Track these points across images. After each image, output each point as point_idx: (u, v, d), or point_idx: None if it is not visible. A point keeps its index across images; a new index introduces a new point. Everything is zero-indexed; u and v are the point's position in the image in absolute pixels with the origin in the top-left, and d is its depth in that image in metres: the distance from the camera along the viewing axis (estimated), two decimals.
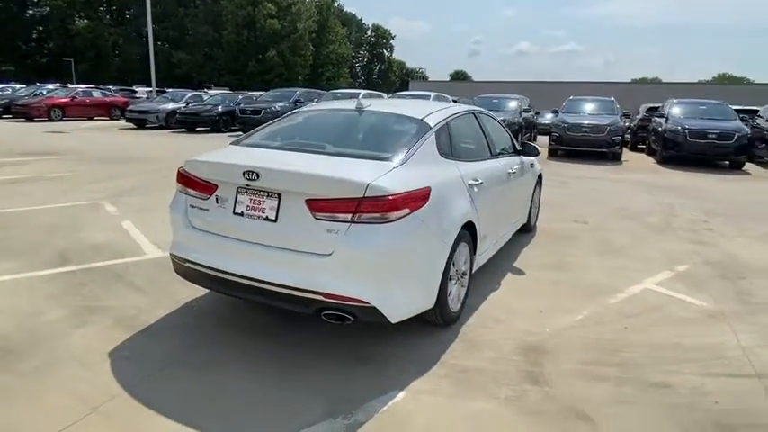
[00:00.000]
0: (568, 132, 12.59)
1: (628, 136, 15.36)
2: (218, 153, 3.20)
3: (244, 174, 2.73)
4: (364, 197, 2.56)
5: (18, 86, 27.22)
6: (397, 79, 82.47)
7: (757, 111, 14.32)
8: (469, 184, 3.39)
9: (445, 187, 3.06)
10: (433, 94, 16.45)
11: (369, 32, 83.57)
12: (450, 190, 3.12)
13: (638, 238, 5.76)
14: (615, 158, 12.99)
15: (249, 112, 17.27)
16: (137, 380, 2.60)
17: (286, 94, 18.69)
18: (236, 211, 2.84)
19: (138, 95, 26.78)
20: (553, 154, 13.12)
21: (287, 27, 53.87)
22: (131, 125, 19.60)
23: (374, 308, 2.61)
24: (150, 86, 26.86)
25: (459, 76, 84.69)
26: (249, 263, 2.76)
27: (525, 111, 15.00)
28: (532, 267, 4.57)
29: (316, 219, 2.63)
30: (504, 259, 4.62)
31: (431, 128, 3.30)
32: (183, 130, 18.64)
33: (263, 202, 2.76)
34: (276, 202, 2.73)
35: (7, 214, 5.81)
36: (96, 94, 23.36)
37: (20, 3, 51.20)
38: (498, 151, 4.39)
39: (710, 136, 11.57)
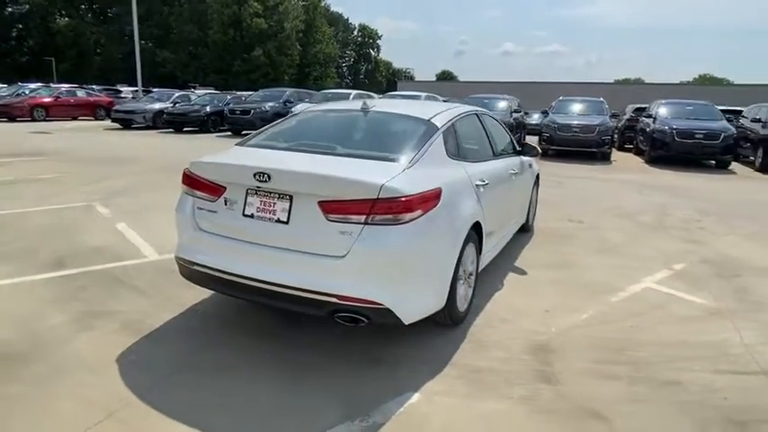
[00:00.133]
0: (559, 132, 12.72)
1: (615, 136, 15.55)
2: (226, 154, 3.16)
3: (255, 175, 2.70)
4: (378, 198, 2.55)
5: None
6: (384, 79, 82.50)
7: (741, 111, 14.62)
8: (476, 185, 3.40)
9: (454, 188, 3.07)
10: (423, 95, 16.49)
11: (355, 32, 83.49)
12: (458, 191, 3.13)
13: (634, 236, 5.84)
14: (604, 158, 13.15)
15: (238, 112, 17.12)
16: (148, 385, 2.56)
17: (276, 93, 18.56)
18: (245, 212, 2.81)
19: (123, 95, 26.38)
20: (543, 154, 13.22)
21: (273, 26, 53.49)
22: (117, 125, 19.28)
23: (388, 309, 2.60)
24: (134, 86, 26.51)
25: (445, 77, 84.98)
26: (260, 265, 2.73)
27: (515, 111, 15.11)
28: (533, 267, 4.60)
29: (329, 220, 2.61)
30: (505, 259, 4.64)
31: (438, 128, 3.30)
32: (171, 130, 18.41)
33: (275, 203, 2.73)
34: (288, 204, 2.70)
35: None
36: (80, 93, 22.96)
37: None
38: (500, 151, 4.41)
39: (698, 136, 11.78)
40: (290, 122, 3.73)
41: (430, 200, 2.75)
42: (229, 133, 17.80)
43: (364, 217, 2.56)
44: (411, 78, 78.08)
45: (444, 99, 17.33)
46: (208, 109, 18.42)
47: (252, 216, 2.79)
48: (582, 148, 12.74)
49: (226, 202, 2.87)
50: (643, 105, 16.00)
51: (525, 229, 5.63)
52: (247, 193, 2.81)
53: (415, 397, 2.57)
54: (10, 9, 52.29)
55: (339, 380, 2.70)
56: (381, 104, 3.69)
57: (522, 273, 4.46)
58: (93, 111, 22.41)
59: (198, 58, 53.67)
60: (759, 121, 12.30)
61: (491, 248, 3.94)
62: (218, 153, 3.20)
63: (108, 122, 20.37)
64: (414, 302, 2.75)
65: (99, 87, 28.26)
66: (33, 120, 19.79)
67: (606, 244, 5.47)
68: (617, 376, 2.83)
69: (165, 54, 52.42)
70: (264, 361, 2.86)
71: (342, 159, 2.94)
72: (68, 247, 4.70)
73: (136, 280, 3.96)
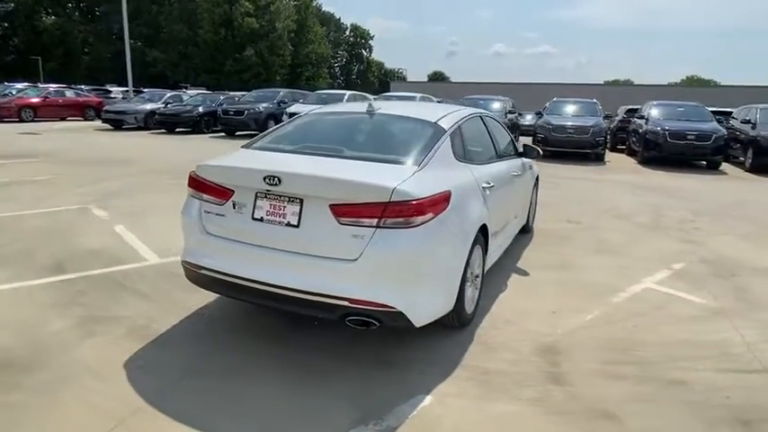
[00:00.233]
0: (554, 134, 12.80)
1: (608, 137, 15.68)
2: (233, 157, 3.14)
3: (265, 179, 2.69)
4: (390, 202, 2.56)
5: None
6: (376, 80, 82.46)
7: (731, 112, 14.82)
8: (483, 187, 3.42)
9: (463, 190, 3.08)
10: (418, 96, 16.52)
11: (347, 32, 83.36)
12: (467, 193, 3.14)
13: (632, 237, 5.89)
14: (598, 159, 13.27)
15: (232, 112, 17.03)
16: (157, 390, 2.53)
17: (269, 94, 18.48)
18: (255, 216, 2.79)
19: (113, 95, 26.11)
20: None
21: (265, 26, 53.25)
22: (107, 126, 19.09)
23: (400, 313, 2.61)
24: (123, 86, 26.23)
25: (437, 77, 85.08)
26: (270, 269, 2.72)
27: (510, 112, 15.19)
28: (535, 268, 4.63)
29: (340, 224, 2.61)
30: (507, 260, 4.66)
31: (445, 131, 3.31)
32: (163, 131, 18.26)
33: (284, 207, 2.72)
34: (298, 208, 2.70)
35: None
36: (69, 93, 22.70)
37: None
38: (503, 153, 4.43)
39: (689, 137, 11.93)
40: (295, 125, 3.72)
41: (440, 203, 2.75)
42: (223, 134, 17.71)
43: (376, 220, 2.56)
44: (403, 79, 78.14)
45: (438, 100, 17.39)
46: (200, 109, 18.30)
47: (261, 219, 2.78)
48: (576, 149, 12.84)
49: (234, 205, 2.86)
50: (635, 106, 16.15)
51: (526, 231, 5.66)
52: (257, 197, 2.79)
53: (428, 399, 2.57)
54: None
55: (350, 383, 2.70)
56: (386, 107, 3.69)
57: (525, 274, 4.48)
58: (82, 111, 22.16)
59: (188, 57, 53.27)
60: (749, 122, 12.47)
61: (496, 250, 3.96)
62: (225, 156, 3.19)
63: (98, 123, 20.16)
64: (425, 305, 2.76)
65: (88, 87, 27.97)
66: (21, 120, 19.53)
67: (605, 245, 5.52)
68: (624, 376, 2.86)
69: (155, 53, 51.98)
70: (273, 364, 2.85)
71: (351, 162, 2.93)
72: (66, 250, 4.64)
73: (138, 284, 3.93)
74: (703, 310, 3.83)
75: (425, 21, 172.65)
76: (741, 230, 6.33)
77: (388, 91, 35.91)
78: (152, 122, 18.60)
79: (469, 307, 3.31)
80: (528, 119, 20.64)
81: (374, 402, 2.52)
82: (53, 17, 52.10)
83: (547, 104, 15.05)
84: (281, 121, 16.59)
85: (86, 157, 10.81)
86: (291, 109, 16.40)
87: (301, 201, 2.69)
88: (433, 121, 3.40)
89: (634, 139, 14.05)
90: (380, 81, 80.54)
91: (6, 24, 52.80)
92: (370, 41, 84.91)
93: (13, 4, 50.73)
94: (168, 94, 21.16)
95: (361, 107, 3.71)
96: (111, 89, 28.34)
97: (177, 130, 18.19)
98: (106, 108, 20.01)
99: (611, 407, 2.55)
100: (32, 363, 2.79)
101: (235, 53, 52.48)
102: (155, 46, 52.85)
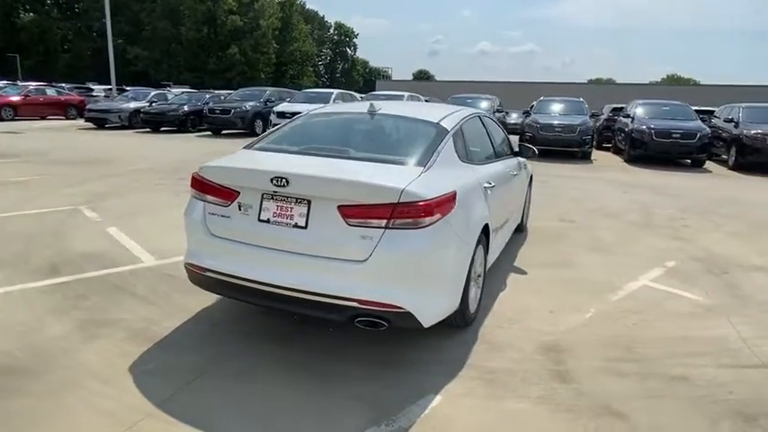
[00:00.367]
0: (541, 132, 12.92)
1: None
2: (237, 158, 3.11)
3: (272, 180, 2.67)
4: (399, 203, 2.56)
5: None
6: (361, 78, 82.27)
7: (713, 111, 15.12)
8: (484, 187, 3.44)
9: (467, 190, 3.09)
10: (406, 95, 16.53)
11: (331, 30, 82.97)
12: (471, 193, 3.16)
13: (624, 235, 5.98)
14: (585, 157, 13.43)
15: (218, 111, 16.85)
16: (168, 395, 2.50)
17: (256, 93, 18.32)
18: (261, 218, 2.77)
19: (95, 94, 25.64)
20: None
21: (249, 24, 52.71)
22: (90, 125, 18.75)
23: (409, 313, 2.61)
24: (104, 84, 25.74)
25: (422, 76, 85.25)
26: (277, 270, 2.70)
27: (497, 111, 15.29)
28: (532, 266, 4.67)
29: (348, 225, 2.60)
30: (504, 259, 4.70)
31: (448, 131, 3.32)
32: (147, 130, 17.99)
33: (292, 208, 2.71)
34: (306, 209, 2.68)
35: None
36: (51, 92, 22.26)
37: None
38: (500, 153, 4.46)
39: (675, 135, 12.15)
40: (295, 126, 3.69)
41: (447, 203, 2.77)
42: (209, 133, 17.52)
43: (385, 221, 2.56)
44: (388, 78, 78.05)
45: (426, 99, 17.43)
46: (186, 108, 18.08)
47: (268, 221, 2.76)
48: (564, 147, 12.98)
49: (240, 206, 2.83)
50: (620, 105, 16.39)
51: (520, 230, 5.70)
52: (263, 198, 2.77)
53: (437, 399, 2.58)
54: None
55: (358, 384, 2.70)
56: (386, 107, 3.69)
57: (522, 272, 4.52)
58: (64, 110, 21.74)
59: (171, 55, 52.49)
60: (732, 121, 12.74)
61: (495, 249, 3.99)
62: (228, 157, 3.15)
63: (80, 122, 19.80)
64: (433, 305, 2.77)
65: (69, 86, 27.38)
66: (1, 119, 19.08)
67: (599, 243, 5.59)
68: (628, 373, 2.90)
69: (137, 51, 51.09)
70: (279, 366, 2.83)
71: (358, 163, 2.93)
72: (60, 252, 4.55)
73: (136, 286, 3.87)
74: (699, 306, 3.91)
75: (410, 19, 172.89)
76: (729, 228, 6.47)
77: (374, 90, 35.88)
78: (136, 121, 18.31)
79: (473, 306, 3.34)
80: (514, 117, 20.80)
81: (384, 403, 2.53)
82: (31, 14, 50.91)
83: (534, 103, 15.19)
84: (268, 119, 16.49)
85: (71, 157, 10.61)
86: (279, 108, 16.28)
87: (309, 202, 2.68)
88: (435, 121, 3.41)
89: (620, 137, 14.25)
90: (365, 80, 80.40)
91: None
92: (354, 40, 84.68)
93: None
94: (153, 93, 20.85)
95: (361, 107, 3.69)
96: (92, 87, 27.84)
97: (162, 129, 17.94)
98: (89, 107, 19.65)
99: (617, 404, 2.59)
100: (35, 367, 2.74)
101: (218, 51, 51.90)
102: (136, 43, 51.92)
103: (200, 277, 2.98)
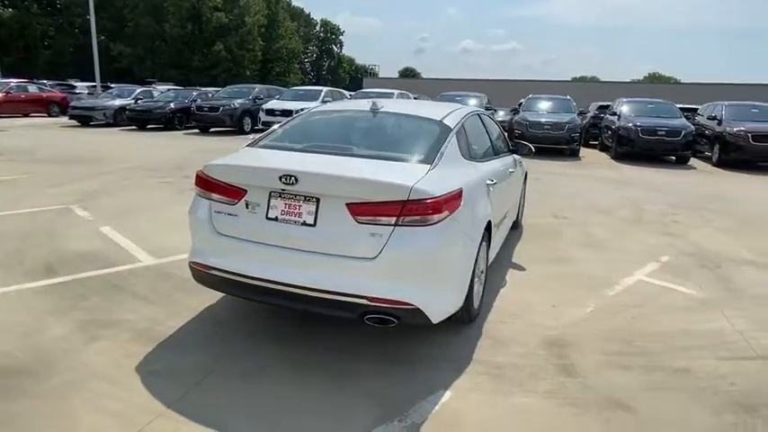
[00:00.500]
0: (530, 130, 13.04)
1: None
2: (243, 156, 3.09)
3: (281, 178, 2.66)
4: (408, 200, 2.57)
5: None
6: (347, 75, 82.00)
7: (696, 109, 15.39)
8: (487, 184, 3.47)
9: (471, 188, 3.11)
10: (396, 92, 16.53)
11: (317, 28, 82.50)
12: (475, 190, 3.18)
13: (617, 231, 6.08)
14: (573, 154, 13.58)
15: (206, 109, 16.65)
16: (178, 395, 2.48)
17: (244, 90, 18.15)
18: (269, 216, 2.76)
19: (77, 91, 25.17)
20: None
21: (234, 21, 52.13)
22: (74, 122, 18.40)
23: (418, 309, 2.63)
24: (86, 80, 25.26)
25: (408, 73, 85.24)
26: (286, 268, 2.70)
27: (486, 108, 15.37)
28: (530, 262, 4.72)
29: (357, 222, 2.60)
30: (502, 256, 4.74)
31: (451, 129, 3.34)
32: (133, 127, 17.71)
33: (300, 206, 2.70)
34: (314, 207, 2.68)
35: None
36: (32, 89, 21.78)
37: None
38: (498, 150, 4.50)
39: (660, 133, 12.34)
40: (298, 124, 3.68)
41: (454, 200, 2.78)
42: (196, 130, 17.33)
43: (394, 219, 2.57)
44: (375, 75, 77.89)
45: (415, 96, 17.46)
46: (172, 105, 17.83)
47: (276, 219, 2.74)
48: (552, 144, 13.11)
49: (247, 205, 2.81)
50: (606, 103, 16.59)
51: (515, 226, 5.75)
52: (270, 196, 2.76)
53: (447, 395, 2.61)
54: None
55: (367, 381, 2.71)
56: (389, 105, 3.70)
57: (521, 268, 4.57)
58: (46, 107, 21.31)
59: (155, 52, 51.67)
60: (715, 118, 12.98)
61: (496, 245, 4.03)
62: (233, 155, 3.13)
63: (64, 119, 19.44)
64: (441, 302, 2.79)
65: (51, 82, 26.81)
66: None
67: (593, 239, 5.67)
68: (631, 366, 2.96)
69: (120, 48, 50.21)
70: (287, 364, 2.83)
71: (364, 161, 2.93)
72: (54, 252, 4.47)
73: (135, 286, 3.83)
74: (694, 300, 3.99)
75: (395, 17, 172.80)
76: (718, 223, 6.61)
77: (361, 87, 35.78)
78: (122, 119, 18.00)
79: (476, 302, 3.37)
80: (501, 115, 20.91)
81: (395, 400, 2.54)
82: (11, 10, 49.71)
83: (522, 101, 15.31)
84: (257, 117, 16.38)
85: (57, 155, 10.41)
86: (268, 105, 16.17)
87: (318, 200, 2.67)
88: (438, 119, 3.43)
89: (607, 134, 14.43)
90: (351, 77, 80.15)
91: None
92: (340, 37, 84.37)
93: None
94: (138, 90, 20.52)
95: (363, 105, 3.70)
96: (75, 84, 27.32)
97: (149, 126, 17.68)
98: (74, 104, 19.27)
99: (623, 397, 2.64)
100: (38, 368, 2.70)
101: (203, 48, 51.22)
102: (119, 40, 51.01)
103: (205, 276, 2.96)
